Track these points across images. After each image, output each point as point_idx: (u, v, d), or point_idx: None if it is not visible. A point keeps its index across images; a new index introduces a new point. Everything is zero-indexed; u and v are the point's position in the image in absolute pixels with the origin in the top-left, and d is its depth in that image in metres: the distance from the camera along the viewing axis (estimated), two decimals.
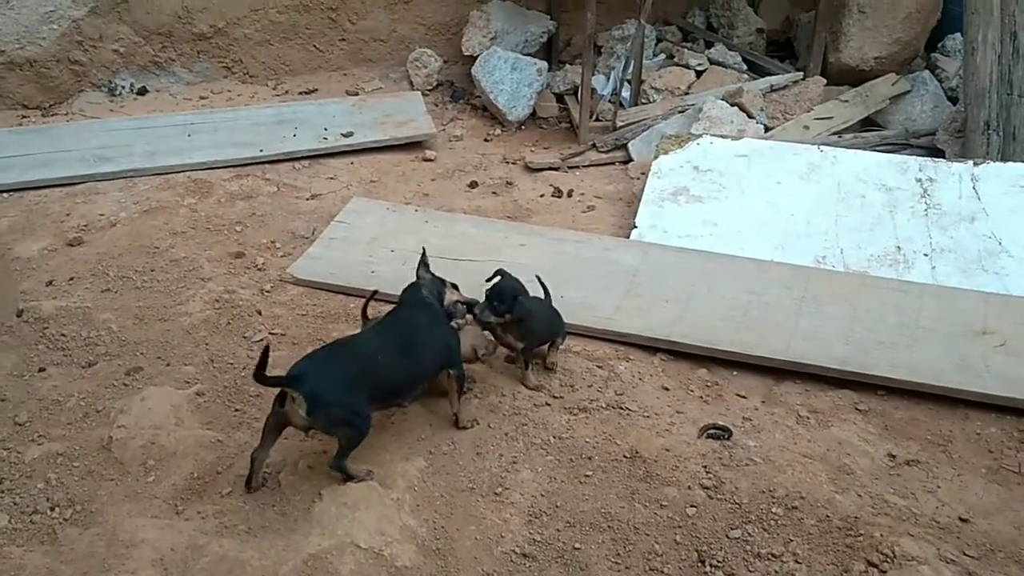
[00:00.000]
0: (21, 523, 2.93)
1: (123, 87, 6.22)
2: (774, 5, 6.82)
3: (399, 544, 2.83)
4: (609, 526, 2.95)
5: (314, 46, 6.53)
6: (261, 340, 3.77)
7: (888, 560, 2.79)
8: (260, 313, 3.99)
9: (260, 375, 2.74)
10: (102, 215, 4.81)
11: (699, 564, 2.83)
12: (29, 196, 4.98)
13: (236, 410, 3.42)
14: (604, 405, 3.48)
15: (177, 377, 3.59)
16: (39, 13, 5.90)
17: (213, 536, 2.85)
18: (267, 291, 4.17)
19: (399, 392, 3.12)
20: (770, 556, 2.85)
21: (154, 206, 4.90)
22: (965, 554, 2.86)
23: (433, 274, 3.36)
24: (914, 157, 4.86)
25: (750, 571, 2.81)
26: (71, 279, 4.25)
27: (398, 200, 5.00)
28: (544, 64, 6.12)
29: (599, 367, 3.69)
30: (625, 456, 3.23)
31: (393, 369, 3.03)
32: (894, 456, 3.27)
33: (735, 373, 3.69)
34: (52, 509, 2.98)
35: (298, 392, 2.80)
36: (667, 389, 3.59)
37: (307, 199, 5.07)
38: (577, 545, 2.88)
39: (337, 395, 2.84)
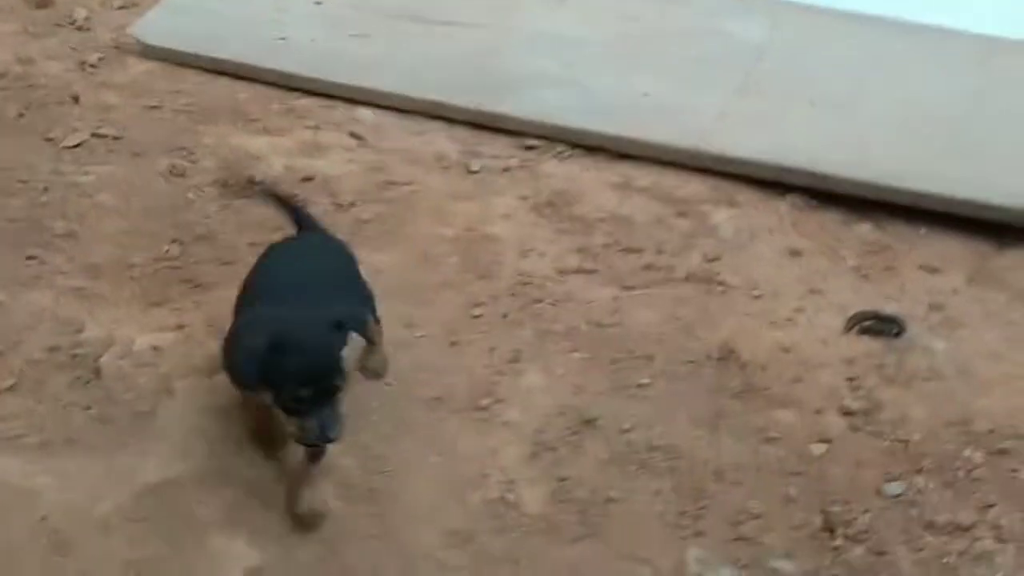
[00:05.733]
0: None
1: None
2: None
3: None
4: (672, 468, 2.97)
5: None
6: (78, 145, 3.89)
7: None
8: (78, 100, 4.03)
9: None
10: None
11: (825, 533, 2.86)
12: None
13: (30, 258, 3.52)
14: (683, 276, 3.52)
15: None
16: None
17: None
18: (92, 65, 4.19)
19: None
20: (953, 528, 2.87)
21: None
22: None
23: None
24: None
25: (915, 551, 2.82)
26: None
27: None
28: None
29: (680, 215, 3.77)
30: (711, 356, 3.25)
31: None
32: None
33: (923, 231, 3.72)
34: None
35: None
36: (798, 254, 3.65)
37: None
38: (613, 494, 2.90)
39: None
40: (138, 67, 4.20)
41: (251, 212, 3.60)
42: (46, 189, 3.74)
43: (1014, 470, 3.02)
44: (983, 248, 3.68)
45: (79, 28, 4.36)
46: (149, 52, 4.20)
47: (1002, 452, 3.06)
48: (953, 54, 4.11)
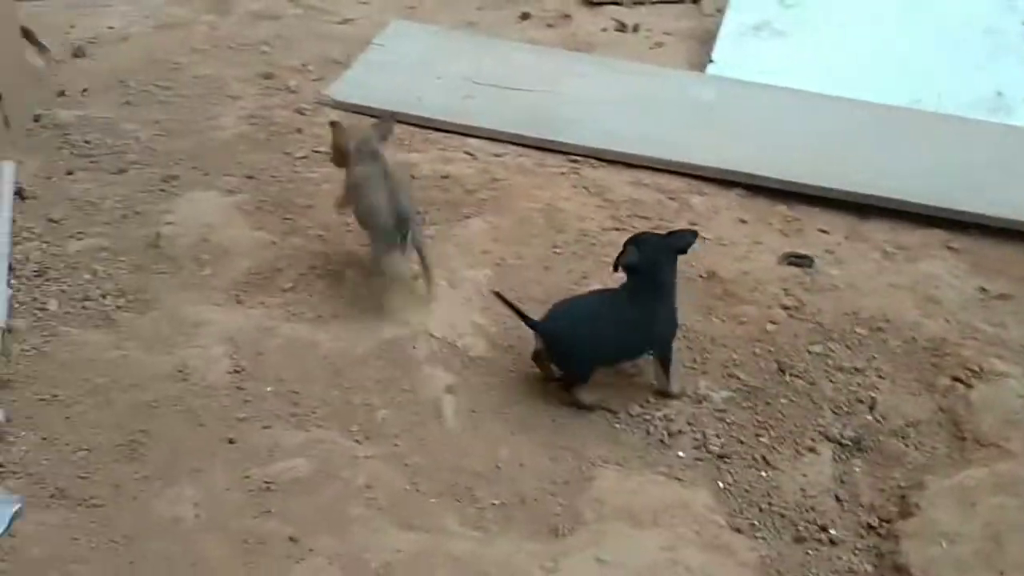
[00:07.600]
0: (73, 308, 3.48)
1: None
2: None
3: (471, 337, 3.41)
4: (685, 336, 3.41)
5: None
6: (304, 157, 4.31)
7: (975, 375, 3.30)
8: (300, 131, 4.49)
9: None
10: (111, 28, 5.25)
11: (779, 373, 3.34)
12: (25, 7, 5.39)
13: (286, 219, 3.94)
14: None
15: (219, 186, 4.10)
16: None
17: (281, 321, 3.43)
18: (305, 112, 4.64)
19: None
20: (853, 370, 3.36)
21: (168, 21, 5.35)
22: None
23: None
24: None
25: (832, 382, 3.32)
26: (84, 91, 4.72)
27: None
28: None
29: (671, 199, 4.19)
30: (701, 276, 3.74)
31: None
32: (985, 290, 3.76)
33: (817, 209, 4.15)
34: (104, 297, 3.52)
35: None
36: (744, 222, 4.09)
37: (338, 23, 5.50)
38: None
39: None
40: (332, 114, 4.42)
41: None
42: (290, 181, 4.17)
43: (885, 339, 3.48)
44: (853, 219, 4.14)
45: (292, 91, 4.82)
46: (338, 106, 4.64)
47: (878, 329, 3.54)
48: (824, 108, 4.57)
